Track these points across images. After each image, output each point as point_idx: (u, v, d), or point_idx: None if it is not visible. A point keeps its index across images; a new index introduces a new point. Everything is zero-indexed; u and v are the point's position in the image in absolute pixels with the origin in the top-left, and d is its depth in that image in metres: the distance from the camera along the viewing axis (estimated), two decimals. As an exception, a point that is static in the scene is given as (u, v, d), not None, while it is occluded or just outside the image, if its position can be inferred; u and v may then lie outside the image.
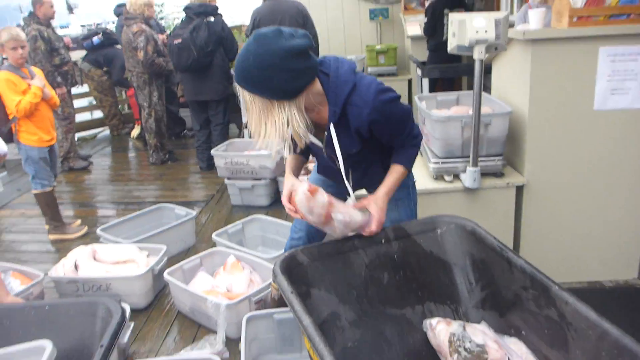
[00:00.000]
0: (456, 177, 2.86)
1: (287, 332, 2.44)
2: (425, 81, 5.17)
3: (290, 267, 1.79)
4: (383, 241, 1.96)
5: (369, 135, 1.81)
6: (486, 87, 3.32)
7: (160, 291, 3.12)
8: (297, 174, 2.07)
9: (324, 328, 1.76)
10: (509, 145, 2.88)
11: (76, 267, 2.96)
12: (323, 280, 1.86)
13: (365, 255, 1.94)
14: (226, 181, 4.33)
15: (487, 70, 3.27)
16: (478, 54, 2.50)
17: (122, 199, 4.81)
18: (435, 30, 5.62)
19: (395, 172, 1.90)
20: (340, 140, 1.80)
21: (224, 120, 5.30)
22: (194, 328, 2.79)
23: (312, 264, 1.86)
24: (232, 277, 2.85)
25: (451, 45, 2.67)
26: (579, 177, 2.74)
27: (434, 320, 1.81)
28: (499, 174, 2.82)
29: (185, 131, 6.91)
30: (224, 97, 5.18)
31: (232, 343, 2.60)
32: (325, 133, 1.82)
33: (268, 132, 1.64)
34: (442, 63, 5.35)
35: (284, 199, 1.86)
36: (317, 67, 1.68)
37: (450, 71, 5.34)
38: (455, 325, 1.76)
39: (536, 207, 2.81)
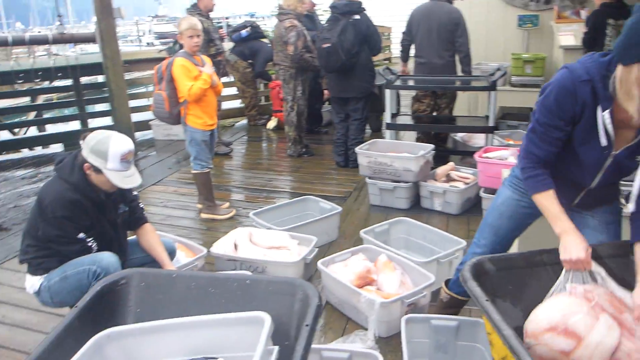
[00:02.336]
0: None
1: (442, 340, 2.40)
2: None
3: (478, 275, 1.76)
4: (573, 260, 1.86)
5: None
6: None
7: (307, 280, 3.22)
8: None
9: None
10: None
11: (235, 246, 3.14)
12: (508, 291, 1.81)
13: (552, 272, 1.86)
14: (367, 180, 4.37)
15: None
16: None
17: (263, 187, 5.02)
18: (595, 41, 5.26)
19: None
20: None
21: (362, 115, 5.39)
22: (343, 320, 2.85)
23: (498, 274, 1.81)
24: (383, 276, 2.86)
25: None
26: None
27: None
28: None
29: (320, 127, 7.07)
30: (365, 95, 5.26)
31: (380, 341, 2.61)
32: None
33: None
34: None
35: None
36: None
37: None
38: None
39: None
